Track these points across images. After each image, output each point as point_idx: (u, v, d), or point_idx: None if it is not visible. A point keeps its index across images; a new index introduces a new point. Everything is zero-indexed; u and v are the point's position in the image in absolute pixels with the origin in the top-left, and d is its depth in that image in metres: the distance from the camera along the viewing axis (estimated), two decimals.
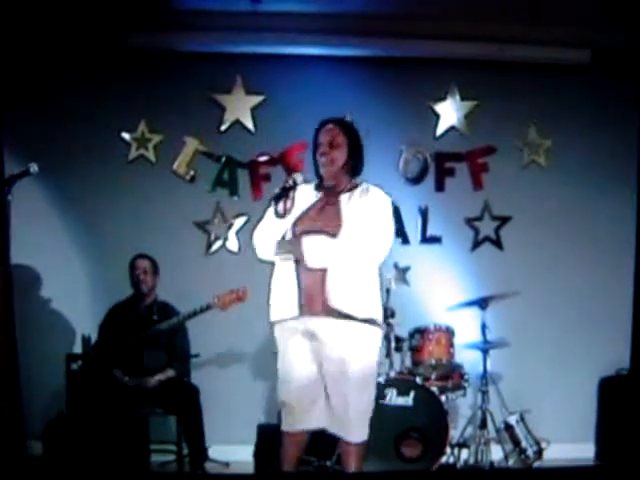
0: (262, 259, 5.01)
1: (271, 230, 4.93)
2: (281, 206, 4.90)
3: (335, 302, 4.77)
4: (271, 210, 4.93)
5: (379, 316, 4.91)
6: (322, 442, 5.21)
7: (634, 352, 6.34)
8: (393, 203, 5.05)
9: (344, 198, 4.94)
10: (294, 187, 4.92)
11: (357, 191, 4.97)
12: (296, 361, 4.87)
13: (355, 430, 4.84)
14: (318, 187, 5.05)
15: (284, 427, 4.97)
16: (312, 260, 4.82)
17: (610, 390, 7.09)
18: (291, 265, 4.87)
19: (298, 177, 4.96)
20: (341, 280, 4.79)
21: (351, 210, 4.89)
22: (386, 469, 5.87)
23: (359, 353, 4.81)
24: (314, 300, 4.81)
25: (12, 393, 5.55)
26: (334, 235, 4.83)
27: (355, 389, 4.79)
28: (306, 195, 5.00)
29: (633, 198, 7.17)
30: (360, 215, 4.87)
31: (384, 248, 4.93)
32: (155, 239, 7.07)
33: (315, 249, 4.83)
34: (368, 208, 4.91)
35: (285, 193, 4.91)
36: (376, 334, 4.90)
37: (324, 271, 4.80)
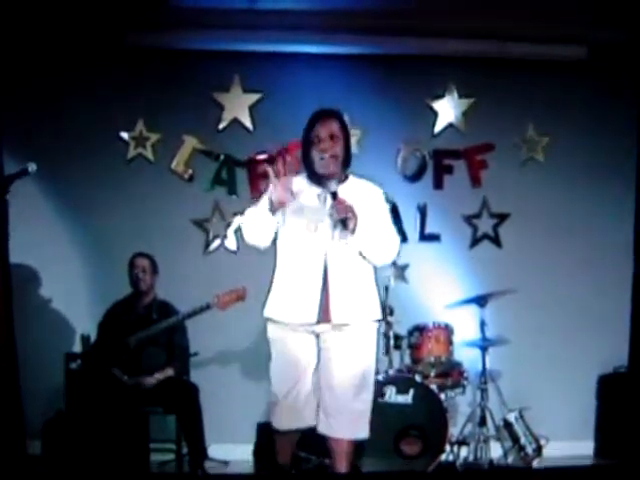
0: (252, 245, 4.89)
1: (265, 223, 4.73)
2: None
3: (338, 313, 4.71)
4: (265, 201, 4.71)
5: (378, 313, 4.86)
6: (321, 439, 5.17)
7: (632, 350, 6.34)
8: (391, 201, 5.01)
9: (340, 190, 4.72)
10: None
11: (348, 183, 4.81)
12: (295, 359, 4.78)
13: (353, 427, 4.77)
14: (311, 179, 4.83)
15: (278, 425, 4.90)
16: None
17: (609, 388, 7.09)
18: (319, 260, 4.71)
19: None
20: (345, 286, 4.72)
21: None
22: (385, 467, 5.88)
23: (359, 351, 4.76)
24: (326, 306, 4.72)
25: (12, 392, 5.55)
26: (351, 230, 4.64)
27: (355, 387, 4.73)
28: (303, 189, 4.80)
29: (632, 195, 7.15)
30: (359, 210, 4.67)
31: (393, 248, 4.84)
32: (154, 238, 7.06)
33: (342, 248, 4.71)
34: (365, 204, 4.75)
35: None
36: (374, 330, 4.84)
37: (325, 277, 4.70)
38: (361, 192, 4.81)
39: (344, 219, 4.63)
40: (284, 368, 4.80)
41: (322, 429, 4.81)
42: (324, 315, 4.71)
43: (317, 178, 4.79)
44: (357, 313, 4.76)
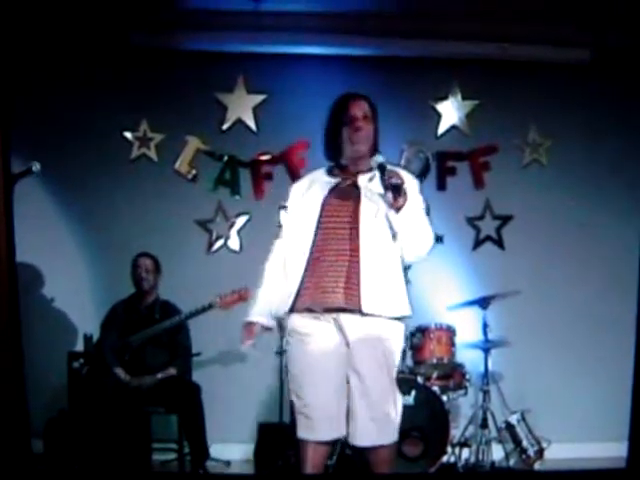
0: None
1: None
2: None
3: (367, 303, 4.32)
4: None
5: (407, 311, 4.47)
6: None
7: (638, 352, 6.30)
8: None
9: (363, 179, 4.45)
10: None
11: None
12: (324, 359, 4.35)
13: (390, 431, 4.42)
14: (331, 171, 4.56)
15: (307, 435, 4.39)
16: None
17: None
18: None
19: None
20: (373, 276, 4.36)
21: (373, 192, 4.41)
22: None
23: (388, 351, 4.37)
24: (342, 294, 4.35)
25: (17, 391, 5.56)
26: (355, 225, 4.37)
27: (387, 389, 4.37)
28: (320, 185, 4.51)
29: (636, 196, 7.16)
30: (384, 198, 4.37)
31: (429, 241, 4.63)
32: (157, 238, 7.07)
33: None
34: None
35: None
36: (402, 330, 4.46)
37: (355, 263, 4.36)
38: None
39: (396, 185, 4.29)
40: (309, 368, 4.37)
41: (356, 440, 4.40)
42: (353, 301, 4.35)
43: (343, 167, 4.53)
44: (388, 306, 4.38)
